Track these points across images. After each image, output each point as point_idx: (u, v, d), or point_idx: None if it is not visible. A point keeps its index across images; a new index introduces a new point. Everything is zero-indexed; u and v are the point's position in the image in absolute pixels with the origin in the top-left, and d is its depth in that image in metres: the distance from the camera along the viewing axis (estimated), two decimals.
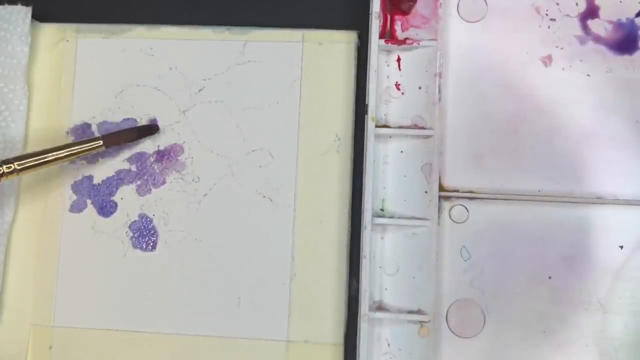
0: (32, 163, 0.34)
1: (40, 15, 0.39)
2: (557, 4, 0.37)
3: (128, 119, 0.38)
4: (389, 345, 0.36)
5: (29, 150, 0.38)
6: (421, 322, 0.35)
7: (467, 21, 0.37)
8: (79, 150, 0.36)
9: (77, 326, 0.37)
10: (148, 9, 0.40)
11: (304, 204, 0.37)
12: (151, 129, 0.38)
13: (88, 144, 0.36)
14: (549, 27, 0.37)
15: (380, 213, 0.36)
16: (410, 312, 0.35)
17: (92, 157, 0.38)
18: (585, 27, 0.37)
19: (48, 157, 0.35)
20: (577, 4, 0.37)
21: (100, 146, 0.36)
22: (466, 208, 0.36)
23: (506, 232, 0.36)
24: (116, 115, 0.39)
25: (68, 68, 0.39)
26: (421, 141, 0.36)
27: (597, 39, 0.37)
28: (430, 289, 0.35)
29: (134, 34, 0.39)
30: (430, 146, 0.36)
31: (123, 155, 0.38)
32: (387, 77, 0.37)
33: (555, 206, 0.36)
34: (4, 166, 0.33)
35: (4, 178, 0.33)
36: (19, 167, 0.34)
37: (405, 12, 0.37)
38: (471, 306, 0.36)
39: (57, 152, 0.35)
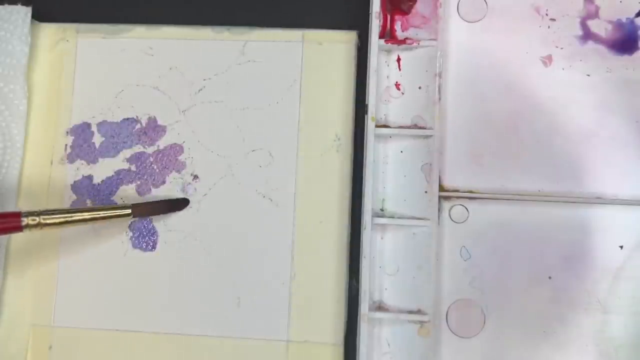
0: (58, 220, 0.33)
1: (40, 15, 0.39)
2: (557, 4, 0.37)
3: (128, 118, 0.38)
4: (389, 345, 0.36)
5: (29, 151, 0.38)
6: (421, 322, 0.35)
7: (467, 21, 0.37)
8: (106, 215, 0.35)
9: (77, 326, 0.37)
10: (148, 9, 0.40)
11: (304, 204, 0.37)
12: (183, 202, 0.37)
13: (116, 211, 0.35)
14: (549, 27, 0.37)
15: (380, 213, 0.36)
16: (410, 312, 0.35)
17: (92, 157, 0.38)
18: (585, 27, 0.37)
19: (74, 216, 0.34)
20: (577, 4, 0.37)
21: (129, 214, 0.35)
22: (466, 208, 0.36)
23: (506, 232, 0.36)
24: (116, 115, 0.39)
25: (68, 68, 0.39)
26: (421, 141, 0.36)
27: (597, 39, 0.37)
28: (430, 289, 0.35)
29: (134, 34, 0.39)
30: (430, 146, 0.36)
31: (123, 155, 0.38)
32: (387, 77, 0.37)
33: (555, 206, 0.36)
34: (29, 218, 0.33)
35: (27, 230, 0.33)
36: (43, 222, 0.33)
37: (405, 12, 0.37)
38: (471, 306, 0.36)
39: (84, 214, 0.34)
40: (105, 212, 0.35)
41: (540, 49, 0.37)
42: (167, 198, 0.37)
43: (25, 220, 0.33)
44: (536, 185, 0.36)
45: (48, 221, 0.33)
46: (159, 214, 0.37)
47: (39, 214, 0.33)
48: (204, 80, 0.38)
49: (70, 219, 0.34)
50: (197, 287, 0.37)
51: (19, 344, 0.37)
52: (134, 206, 0.36)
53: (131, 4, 0.40)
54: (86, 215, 0.34)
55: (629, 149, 0.36)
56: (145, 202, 0.37)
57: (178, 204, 0.37)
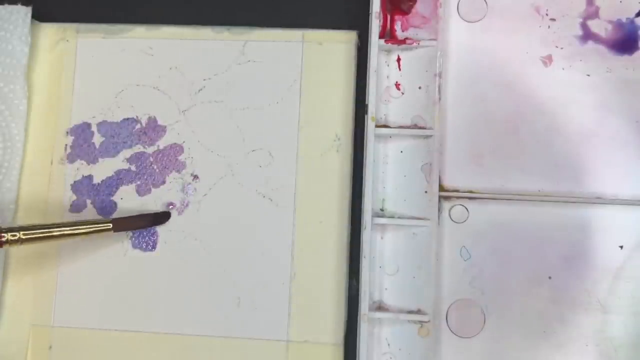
0: (38, 235, 0.33)
1: (40, 15, 0.39)
2: (557, 4, 0.37)
3: (128, 118, 0.38)
4: (389, 345, 0.36)
5: (29, 151, 0.38)
6: (421, 322, 0.35)
7: (467, 21, 0.37)
8: (87, 230, 0.35)
9: (77, 326, 0.37)
10: (148, 9, 0.40)
11: (304, 204, 0.37)
12: (164, 216, 0.37)
13: (97, 225, 0.35)
14: (549, 27, 0.37)
15: (380, 213, 0.36)
16: (410, 312, 0.35)
17: (92, 157, 0.38)
18: (585, 27, 0.37)
19: (53, 232, 0.34)
20: (577, 4, 0.37)
21: (109, 229, 0.35)
22: (466, 208, 0.36)
23: (506, 232, 0.36)
24: (116, 115, 0.39)
25: (68, 68, 0.39)
26: (421, 141, 0.36)
27: (597, 39, 0.37)
28: (430, 289, 0.35)
29: (133, 33, 0.39)
30: (430, 146, 0.36)
31: (123, 155, 0.38)
32: (387, 77, 0.37)
33: (555, 206, 0.36)
34: (9, 234, 0.33)
35: (6, 245, 0.33)
36: (24, 237, 0.33)
37: (405, 12, 0.37)
38: (471, 306, 0.36)
39: (64, 229, 0.34)
40: (86, 227, 0.35)
41: (540, 49, 0.37)
42: (147, 212, 0.37)
43: (6, 236, 0.32)
44: (536, 185, 0.36)
45: (28, 237, 0.33)
46: (140, 227, 0.37)
47: (18, 229, 0.33)
48: (204, 80, 0.38)
49: (50, 234, 0.34)
50: (197, 287, 0.37)
51: (19, 344, 0.37)
52: (114, 221, 0.36)
53: (131, 4, 0.40)
54: (66, 230, 0.34)
55: (629, 149, 0.36)
56: (125, 217, 0.37)
57: (159, 218, 0.37)
